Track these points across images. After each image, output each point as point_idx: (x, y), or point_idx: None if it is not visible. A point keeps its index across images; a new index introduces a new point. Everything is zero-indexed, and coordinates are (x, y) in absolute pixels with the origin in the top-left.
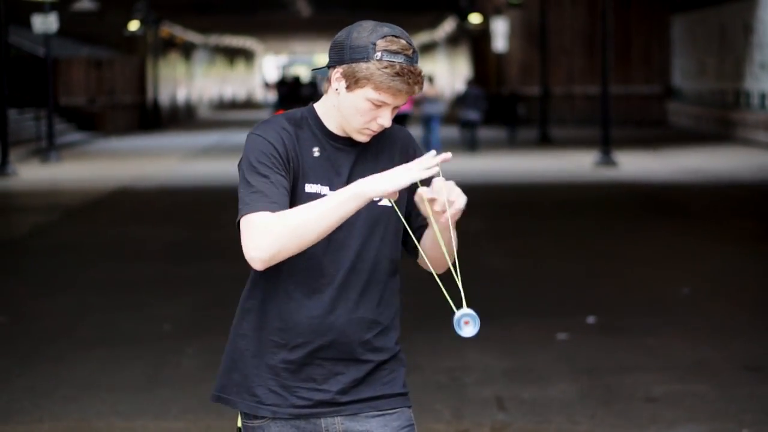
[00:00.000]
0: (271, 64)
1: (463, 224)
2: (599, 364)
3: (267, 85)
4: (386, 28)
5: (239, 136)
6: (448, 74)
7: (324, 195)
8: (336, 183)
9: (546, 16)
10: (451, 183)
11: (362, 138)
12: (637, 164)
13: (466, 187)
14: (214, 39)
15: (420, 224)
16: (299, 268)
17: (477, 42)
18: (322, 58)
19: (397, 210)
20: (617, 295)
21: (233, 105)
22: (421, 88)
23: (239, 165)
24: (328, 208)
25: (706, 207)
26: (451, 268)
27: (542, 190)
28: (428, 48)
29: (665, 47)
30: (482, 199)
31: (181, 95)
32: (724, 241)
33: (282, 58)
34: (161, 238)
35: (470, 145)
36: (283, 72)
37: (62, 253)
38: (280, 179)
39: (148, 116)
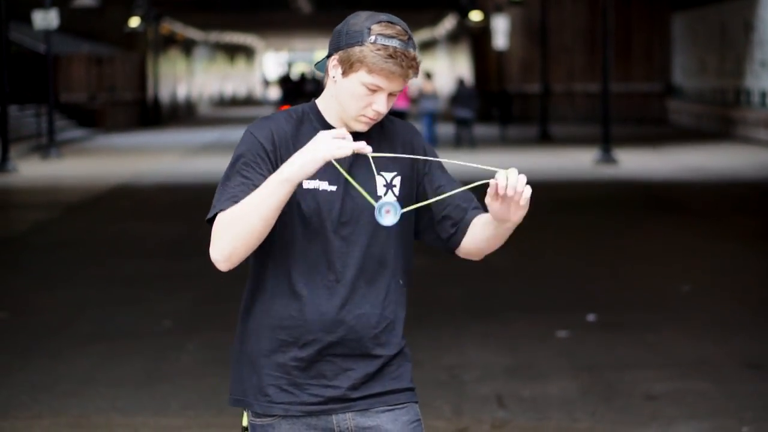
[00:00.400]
0: (271, 61)
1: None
2: (599, 361)
3: (266, 83)
4: (383, 16)
5: (239, 134)
6: (449, 72)
7: (321, 191)
8: (333, 178)
9: (547, 13)
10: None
11: (360, 126)
12: (638, 162)
13: (465, 184)
14: (215, 36)
15: (446, 215)
16: (306, 266)
17: (477, 39)
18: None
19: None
20: (617, 293)
21: (233, 102)
22: (415, 73)
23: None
24: (261, 199)
25: (707, 205)
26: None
27: (543, 188)
28: (429, 45)
29: (666, 45)
30: (482, 197)
31: (182, 92)
32: (725, 239)
33: (282, 55)
34: (161, 235)
35: (468, 142)
36: (287, 69)
37: (62, 250)
38: (255, 178)
39: (149, 113)
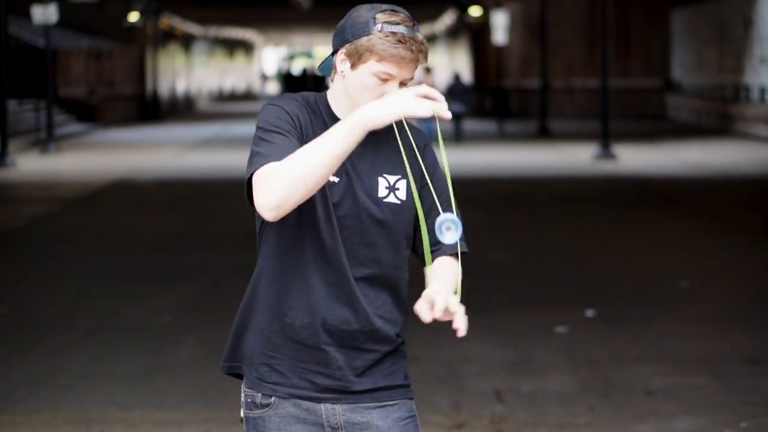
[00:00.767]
0: (270, 56)
1: (462, 217)
2: (598, 357)
3: (264, 77)
4: (385, 5)
5: (238, 128)
6: (449, 67)
7: (333, 182)
8: (339, 171)
9: (546, 8)
10: (448, 300)
11: None
12: (637, 158)
13: (465, 180)
14: (214, 30)
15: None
16: (307, 254)
17: (477, 35)
18: (322, 50)
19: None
20: (616, 288)
21: (232, 97)
22: (425, 58)
23: (255, 132)
24: (330, 146)
25: (706, 200)
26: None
27: (541, 183)
28: (428, 41)
29: (665, 40)
30: (482, 192)
31: (181, 87)
32: (724, 235)
33: (282, 50)
34: (160, 229)
35: (455, 136)
36: (288, 65)
37: (61, 244)
38: (295, 141)
39: (148, 108)
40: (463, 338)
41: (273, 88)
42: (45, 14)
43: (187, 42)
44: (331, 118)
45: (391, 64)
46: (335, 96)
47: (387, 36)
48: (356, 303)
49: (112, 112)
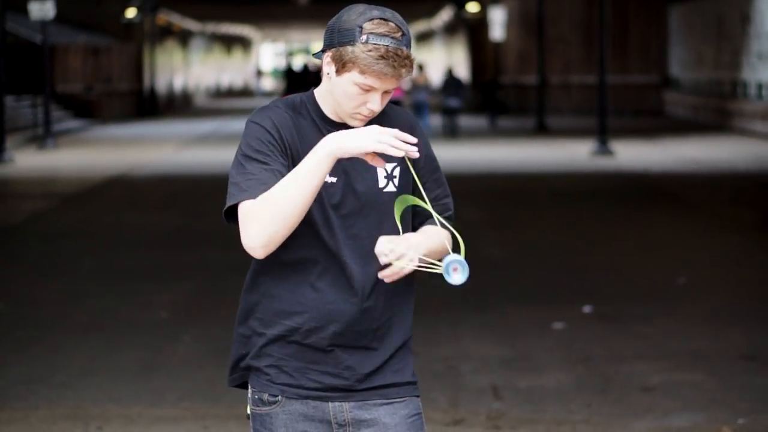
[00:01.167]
0: (266, 52)
1: (460, 213)
2: (595, 353)
3: (260, 73)
4: (376, 11)
5: (236, 124)
6: (446, 63)
7: (330, 182)
8: (335, 170)
9: (543, 5)
10: (408, 247)
11: (355, 123)
12: (634, 154)
13: (462, 176)
14: (212, 27)
15: (419, 222)
16: (311, 256)
17: (474, 31)
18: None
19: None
20: (613, 285)
21: (230, 93)
22: (409, 72)
23: (236, 152)
24: (302, 181)
25: (703, 197)
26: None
27: (539, 179)
28: (425, 37)
29: (663, 37)
30: (479, 188)
31: (178, 83)
32: (721, 231)
33: (279, 47)
34: (158, 226)
35: (450, 131)
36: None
37: (59, 240)
38: (278, 166)
39: (145, 104)
40: (460, 334)
41: (269, 84)
42: (42, 10)
43: (184, 38)
44: (320, 117)
45: (372, 77)
46: (323, 96)
47: (370, 50)
48: (363, 301)
49: (110, 108)
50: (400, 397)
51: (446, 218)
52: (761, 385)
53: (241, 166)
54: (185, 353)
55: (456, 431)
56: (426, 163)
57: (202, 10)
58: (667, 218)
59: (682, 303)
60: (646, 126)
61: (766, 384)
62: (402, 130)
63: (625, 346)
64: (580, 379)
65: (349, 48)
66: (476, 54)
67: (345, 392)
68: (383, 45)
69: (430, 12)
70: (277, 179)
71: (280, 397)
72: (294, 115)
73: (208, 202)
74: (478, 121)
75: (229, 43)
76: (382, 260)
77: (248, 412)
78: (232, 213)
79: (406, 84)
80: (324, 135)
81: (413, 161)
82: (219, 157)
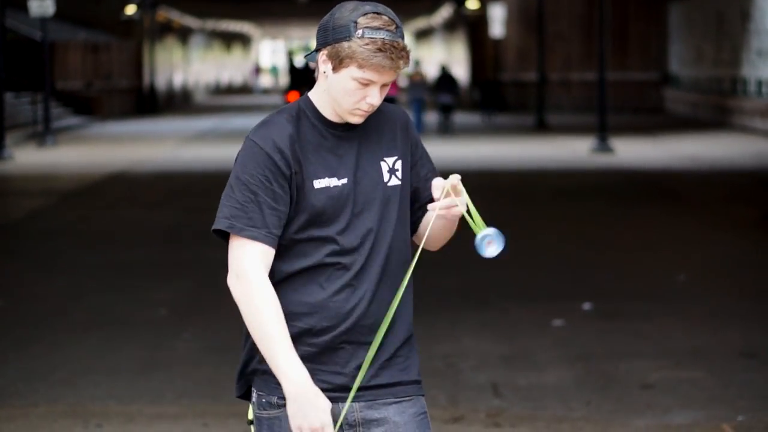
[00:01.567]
0: (266, 49)
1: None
2: (595, 351)
3: (258, 70)
4: (368, 6)
5: (236, 121)
6: (446, 60)
7: (333, 187)
8: (341, 172)
9: (543, 1)
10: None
11: (355, 119)
12: (634, 151)
13: (461, 173)
14: (211, 24)
15: (420, 204)
16: (321, 256)
17: (474, 28)
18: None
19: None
20: (613, 282)
21: (230, 90)
22: (406, 64)
23: (233, 169)
24: (267, 349)
25: (703, 194)
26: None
27: (539, 177)
28: (425, 34)
29: (662, 34)
30: (478, 185)
31: (178, 80)
32: (721, 228)
33: (279, 44)
34: (157, 223)
35: (445, 128)
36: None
37: (58, 237)
38: (272, 198)
39: (145, 101)
40: (459, 332)
41: (267, 81)
42: (42, 7)
43: (184, 35)
44: (319, 121)
45: (371, 71)
46: (320, 96)
47: (367, 44)
48: (372, 298)
49: (110, 105)
50: (408, 396)
51: None
52: (760, 382)
53: (231, 190)
54: (185, 351)
55: (456, 428)
56: (422, 154)
57: (202, 7)
58: (667, 215)
59: (682, 300)
60: (645, 123)
61: (766, 381)
62: (395, 127)
63: (624, 344)
64: (579, 377)
65: (345, 44)
66: (476, 51)
67: (355, 391)
68: (380, 38)
69: (430, 9)
70: (263, 213)
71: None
72: (296, 124)
73: (207, 199)
74: (477, 119)
75: (229, 40)
76: (437, 194)
77: (250, 417)
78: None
79: (402, 81)
80: (325, 139)
81: (411, 152)
82: (218, 154)
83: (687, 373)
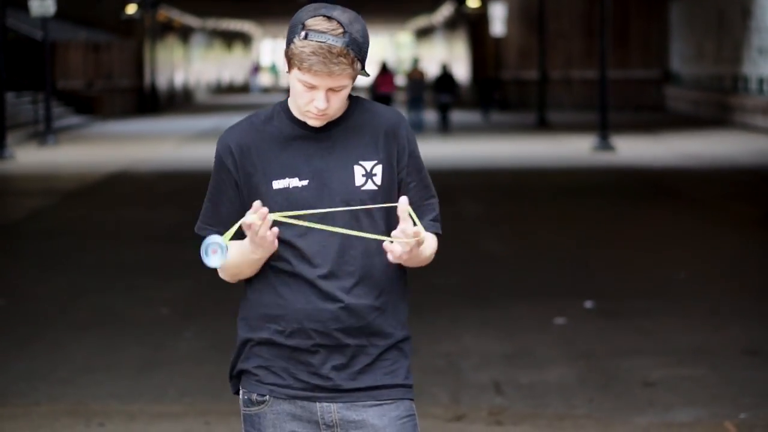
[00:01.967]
0: (266, 48)
1: (461, 208)
2: (597, 349)
3: (256, 69)
4: (323, 9)
5: (236, 120)
6: (447, 59)
7: (292, 188)
8: (304, 173)
9: (544, 0)
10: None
11: (311, 122)
12: (635, 149)
13: (462, 172)
14: (212, 23)
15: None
16: (290, 258)
17: (475, 26)
18: None
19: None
20: (615, 280)
21: (231, 89)
22: (347, 68)
23: None
24: (241, 262)
25: (704, 191)
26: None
27: (540, 175)
28: (426, 32)
29: (663, 31)
30: (479, 184)
31: (179, 79)
32: (722, 226)
33: (280, 43)
34: (159, 222)
35: (443, 127)
36: None
37: (59, 237)
38: (228, 199)
39: (146, 100)
40: (461, 330)
41: (267, 80)
42: (43, 6)
43: (185, 34)
44: (290, 119)
45: (308, 74)
46: (290, 95)
47: (303, 47)
48: (343, 300)
49: (111, 104)
50: (391, 399)
51: (432, 220)
52: (763, 379)
53: (209, 189)
54: (186, 349)
55: (458, 427)
56: (410, 162)
57: (203, 6)
58: (668, 213)
59: (684, 298)
60: (647, 121)
61: None
62: (379, 131)
63: (626, 342)
64: (581, 375)
65: (292, 45)
66: (477, 50)
67: (332, 392)
68: (316, 41)
69: (431, 8)
70: (216, 213)
71: (267, 396)
72: (262, 126)
73: None
74: (477, 117)
75: (230, 39)
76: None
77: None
78: None
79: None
80: (294, 139)
81: (397, 158)
82: None
83: (689, 371)
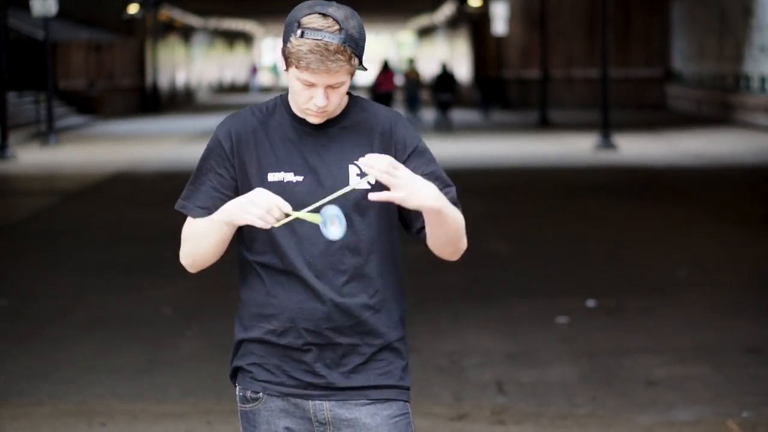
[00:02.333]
0: (269, 48)
1: (463, 207)
2: (599, 347)
3: (255, 69)
4: (318, 7)
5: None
6: (449, 58)
7: (287, 182)
8: (301, 169)
9: None
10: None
11: (311, 119)
12: (637, 148)
13: (464, 171)
14: (214, 22)
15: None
16: (281, 256)
17: (477, 25)
18: None
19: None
20: (617, 278)
21: (232, 88)
22: (344, 65)
23: None
24: (207, 229)
25: (706, 190)
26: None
27: (542, 174)
28: (428, 31)
29: (665, 30)
30: (481, 183)
31: (181, 79)
32: (724, 224)
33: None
34: (160, 222)
35: (444, 126)
36: None
37: (61, 237)
38: (217, 181)
39: (148, 100)
40: (463, 329)
41: (267, 79)
42: (44, 6)
43: (186, 34)
44: (289, 115)
45: (306, 72)
46: (289, 92)
47: (300, 45)
48: (334, 299)
49: (112, 104)
50: (384, 398)
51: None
52: (766, 378)
53: (195, 173)
54: (188, 349)
55: (460, 426)
56: (414, 158)
57: (204, 6)
58: (670, 212)
59: (686, 296)
60: (648, 120)
61: None
62: (382, 128)
63: (629, 340)
64: (584, 373)
65: (289, 43)
66: (479, 49)
67: (325, 390)
68: (312, 39)
69: (433, 7)
70: (209, 195)
71: (261, 393)
72: (264, 117)
73: None
74: (478, 117)
75: (231, 38)
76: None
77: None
78: None
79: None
80: (293, 134)
81: (396, 157)
82: None
83: (691, 369)
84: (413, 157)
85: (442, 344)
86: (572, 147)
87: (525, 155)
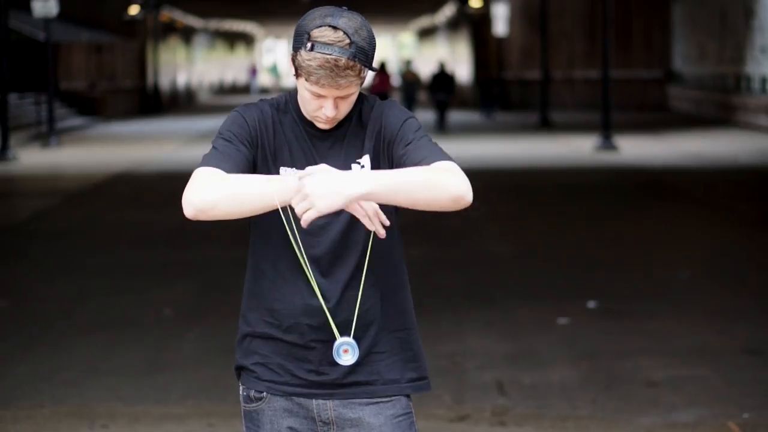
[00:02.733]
0: (270, 48)
1: (464, 209)
2: (600, 349)
3: (254, 71)
4: (329, 18)
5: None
6: (449, 59)
7: None
8: (312, 160)
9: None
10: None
11: (320, 125)
12: (638, 149)
13: (467, 172)
14: (215, 23)
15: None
16: (285, 252)
17: (477, 26)
18: None
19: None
20: (618, 280)
21: (233, 90)
22: (353, 79)
23: None
24: (254, 195)
25: (707, 191)
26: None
27: (543, 175)
28: (429, 32)
29: (666, 31)
30: (482, 184)
31: (182, 80)
32: (725, 225)
33: (282, 43)
34: (161, 223)
35: (440, 126)
36: None
37: (62, 238)
38: (243, 149)
39: (149, 101)
40: (464, 331)
41: (267, 80)
42: (45, 7)
43: (187, 35)
44: (298, 116)
45: (316, 86)
46: (298, 95)
47: (310, 60)
48: (338, 296)
49: (113, 105)
50: (387, 396)
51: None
52: (766, 380)
53: (214, 146)
54: (190, 351)
55: (461, 427)
56: (404, 133)
57: (205, 7)
58: (671, 212)
59: (687, 298)
60: (649, 121)
61: None
62: (373, 119)
63: (629, 342)
64: (584, 375)
65: (299, 55)
66: (479, 49)
67: (329, 388)
68: (322, 54)
69: (433, 7)
70: (237, 155)
71: (265, 393)
72: (278, 113)
73: None
74: (478, 117)
75: (233, 39)
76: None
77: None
78: None
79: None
80: (301, 134)
81: (386, 140)
82: None
83: (692, 371)
84: (402, 132)
85: (443, 346)
86: (573, 148)
87: (526, 156)
